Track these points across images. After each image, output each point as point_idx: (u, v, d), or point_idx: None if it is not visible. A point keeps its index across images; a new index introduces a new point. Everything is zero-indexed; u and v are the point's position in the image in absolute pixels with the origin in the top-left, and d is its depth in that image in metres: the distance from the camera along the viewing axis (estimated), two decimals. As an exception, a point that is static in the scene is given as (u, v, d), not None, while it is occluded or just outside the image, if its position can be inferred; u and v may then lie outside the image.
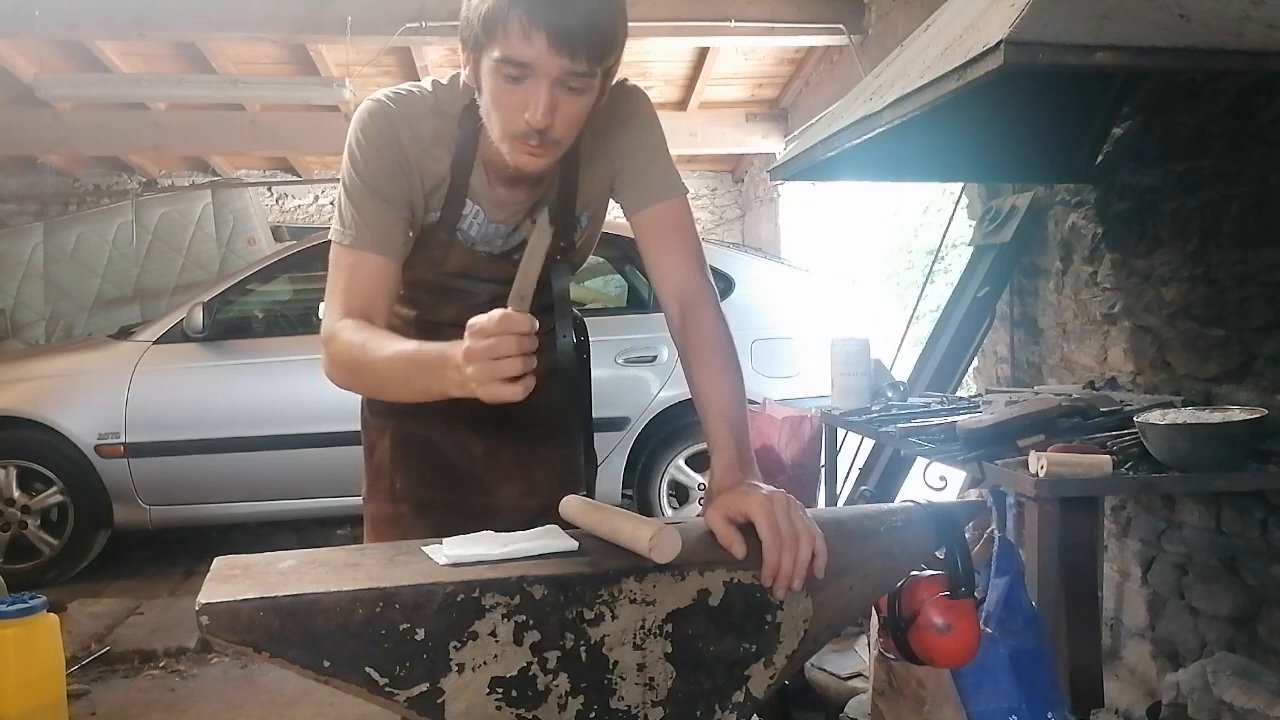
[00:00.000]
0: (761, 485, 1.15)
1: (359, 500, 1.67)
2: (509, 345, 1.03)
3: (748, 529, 1.08)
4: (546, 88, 1.23)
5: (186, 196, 7.16)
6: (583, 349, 1.74)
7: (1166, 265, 2.70)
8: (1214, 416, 2.07)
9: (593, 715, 1.02)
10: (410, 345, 1.22)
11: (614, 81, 1.48)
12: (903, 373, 3.71)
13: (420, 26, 5.19)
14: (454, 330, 1.58)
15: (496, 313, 1.04)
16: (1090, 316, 3.08)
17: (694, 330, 1.38)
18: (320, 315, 1.41)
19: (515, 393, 1.04)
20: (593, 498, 1.62)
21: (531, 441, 1.65)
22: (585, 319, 1.77)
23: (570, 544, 1.10)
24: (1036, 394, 2.85)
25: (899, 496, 3.15)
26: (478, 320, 1.05)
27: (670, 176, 1.48)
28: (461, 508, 1.56)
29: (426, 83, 1.45)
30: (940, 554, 1.21)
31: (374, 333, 1.28)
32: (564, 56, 1.20)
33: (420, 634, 0.96)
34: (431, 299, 1.58)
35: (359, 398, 1.64)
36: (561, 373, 1.63)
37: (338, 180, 1.43)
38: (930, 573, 1.22)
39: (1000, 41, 1.58)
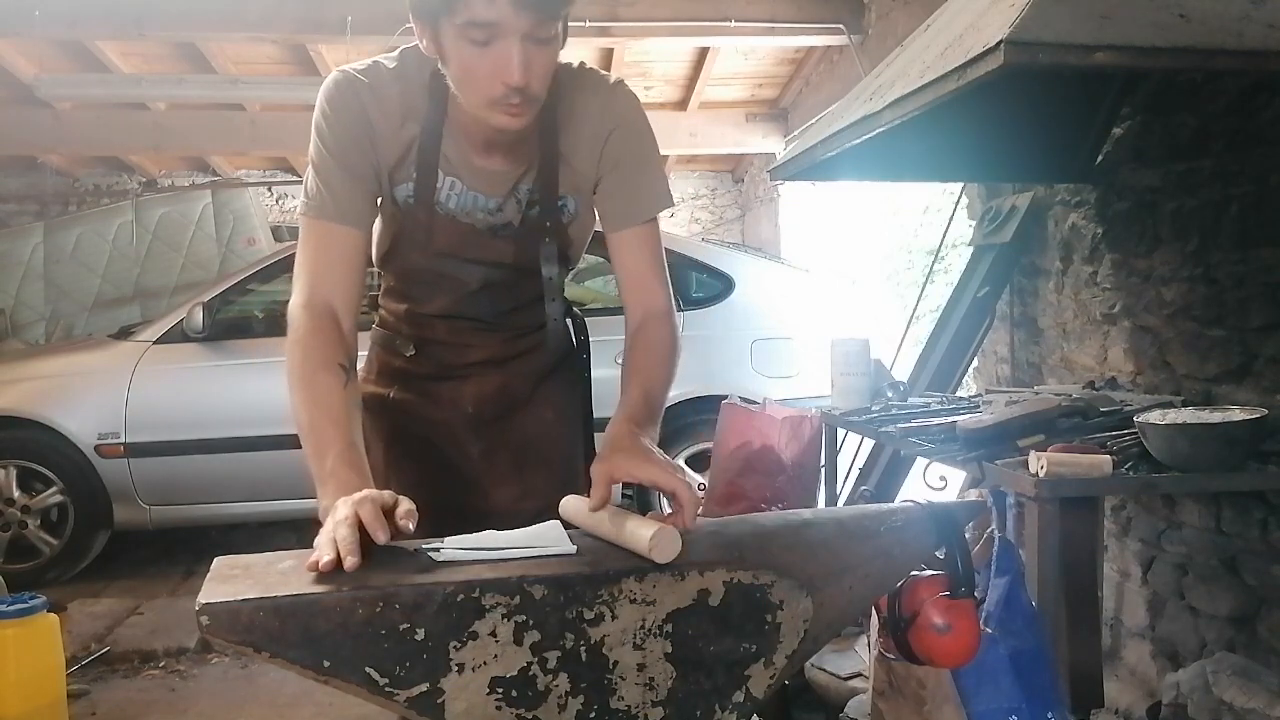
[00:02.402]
0: (654, 449, 1.21)
1: (358, 500, 1.66)
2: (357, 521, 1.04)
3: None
4: (518, 45, 1.22)
5: (186, 196, 7.16)
6: (583, 348, 1.73)
7: (1166, 265, 2.70)
8: (1214, 416, 2.06)
9: (593, 715, 1.02)
10: (337, 444, 1.25)
11: (610, 81, 1.48)
12: (903, 373, 3.71)
13: (420, 26, 5.20)
14: (445, 322, 1.58)
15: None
16: (1090, 316, 3.08)
17: (645, 334, 1.45)
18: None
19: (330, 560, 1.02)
20: None
21: (531, 443, 1.63)
22: (585, 319, 1.77)
23: (570, 546, 1.10)
24: (1036, 394, 2.85)
25: (899, 496, 3.15)
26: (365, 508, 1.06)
27: (654, 191, 1.50)
28: (456, 510, 1.54)
29: (395, 53, 1.44)
30: (940, 554, 1.21)
31: (327, 378, 1.33)
32: (529, 11, 1.19)
33: (420, 634, 0.96)
34: (421, 290, 1.57)
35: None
36: (549, 354, 1.64)
37: None
38: (930, 573, 1.22)
39: (1000, 41, 1.57)
